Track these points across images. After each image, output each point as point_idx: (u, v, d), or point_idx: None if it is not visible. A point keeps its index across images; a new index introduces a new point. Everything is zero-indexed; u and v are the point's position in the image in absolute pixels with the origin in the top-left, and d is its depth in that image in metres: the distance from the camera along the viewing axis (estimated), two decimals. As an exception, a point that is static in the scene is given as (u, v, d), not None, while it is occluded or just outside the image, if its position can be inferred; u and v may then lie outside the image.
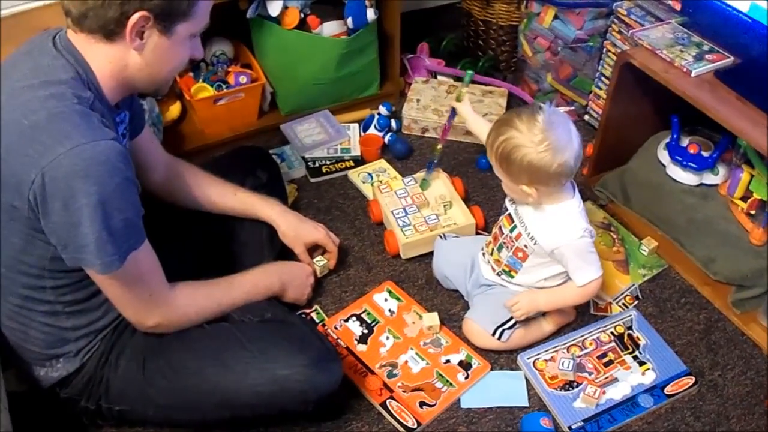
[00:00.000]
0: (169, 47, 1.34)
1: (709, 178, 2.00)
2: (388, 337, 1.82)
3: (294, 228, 1.86)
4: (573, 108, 2.50)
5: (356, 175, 2.28)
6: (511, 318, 1.76)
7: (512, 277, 1.77)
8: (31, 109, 1.26)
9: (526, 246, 1.71)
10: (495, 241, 1.80)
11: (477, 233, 2.04)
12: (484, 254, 1.85)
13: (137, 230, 1.36)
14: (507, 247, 1.76)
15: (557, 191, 1.65)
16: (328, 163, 2.32)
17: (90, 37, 1.31)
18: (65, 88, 1.29)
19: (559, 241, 1.66)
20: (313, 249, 1.93)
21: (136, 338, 1.51)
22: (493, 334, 1.76)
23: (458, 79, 2.61)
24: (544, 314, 1.83)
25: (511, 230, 1.74)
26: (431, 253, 1.98)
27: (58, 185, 1.23)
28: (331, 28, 2.30)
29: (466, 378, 1.74)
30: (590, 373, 1.75)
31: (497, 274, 1.80)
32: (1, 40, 1.90)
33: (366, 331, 1.84)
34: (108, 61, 1.33)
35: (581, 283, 1.68)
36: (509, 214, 1.75)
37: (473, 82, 2.55)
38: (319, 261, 1.92)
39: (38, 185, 1.23)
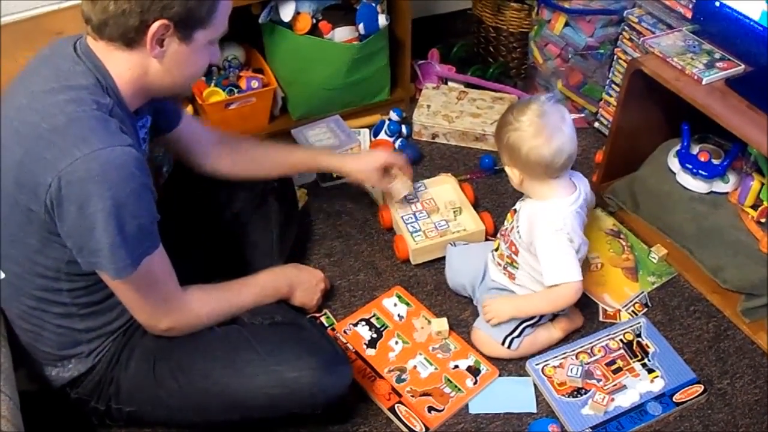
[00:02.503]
0: (188, 54, 1.35)
1: (719, 186, 2.00)
2: (397, 342, 1.83)
3: (358, 166, 1.95)
4: (583, 115, 2.50)
5: (366, 180, 2.28)
6: (518, 326, 1.76)
7: (516, 268, 1.77)
8: (50, 113, 1.27)
9: (515, 239, 1.74)
10: (499, 236, 1.84)
11: (486, 239, 2.05)
12: (493, 254, 1.86)
13: (151, 236, 1.36)
14: (504, 239, 1.79)
15: (543, 186, 1.68)
16: (338, 167, 2.33)
17: (110, 45, 1.32)
18: (85, 93, 1.30)
19: (533, 233, 1.67)
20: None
21: (146, 339, 1.52)
22: (503, 344, 1.76)
23: (469, 85, 2.62)
24: (552, 320, 1.83)
25: (510, 223, 1.78)
26: (441, 259, 1.99)
27: (73, 189, 1.24)
28: (342, 34, 2.31)
29: (475, 383, 1.74)
30: (599, 380, 1.75)
31: (503, 268, 1.81)
32: (17, 44, 1.92)
33: (375, 336, 1.84)
34: (128, 67, 1.34)
35: (548, 283, 1.67)
36: (514, 209, 1.78)
37: (483, 88, 2.58)
38: (396, 184, 2.01)
39: (54, 189, 1.25)
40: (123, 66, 1.34)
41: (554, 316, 1.84)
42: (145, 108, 1.51)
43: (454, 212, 2.09)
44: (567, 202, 1.68)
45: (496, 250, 1.84)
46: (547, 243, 1.65)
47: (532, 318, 1.77)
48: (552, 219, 1.66)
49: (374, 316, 1.89)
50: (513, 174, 1.69)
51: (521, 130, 1.61)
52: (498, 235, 1.86)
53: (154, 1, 1.25)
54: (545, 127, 1.60)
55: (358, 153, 1.98)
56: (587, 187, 1.76)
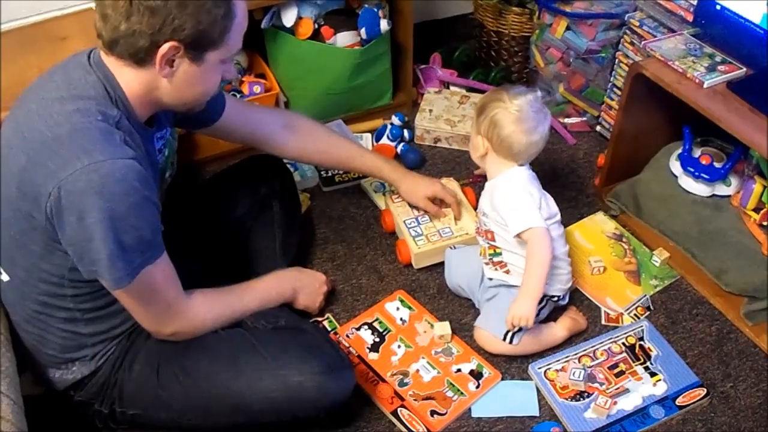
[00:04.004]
0: (199, 74, 1.35)
1: (721, 189, 2.00)
2: (399, 346, 1.83)
3: (411, 187, 2.02)
4: (585, 119, 2.50)
5: (369, 185, 2.29)
6: None
7: (500, 255, 1.80)
8: (56, 121, 1.28)
9: (485, 224, 1.80)
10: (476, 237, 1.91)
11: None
12: (480, 257, 1.88)
13: (153, 246, 1.36)
14: (480, 236, 1.85)
15: (502, 165, 1.78)
16: (340, 172, 2.33)
17: (120, 61, 1.32)
18: (92, 103, 1.30)
19: (494, 202, 1.76)
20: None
21: (150, 342, 1.52)
22: (504, 339, 1.77)
23: (470, 89, 2.62)
24: (555, 319, 1.84)
25: (478, 222, 1.86)
26: (443, 263, 1.99)
27: (73, 200, 1.25)
28: (344, 39, 2.32)
29: (477, 387, 1.74)
30: (601, 384, 1.75)
31: (490, 262, 1.83)
32: (22, 49, 1.94)
33: (377, 340, 1.84)
34: (137, 83, 1.34)
35: (514, 232, 1.71)
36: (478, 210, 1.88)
37: (484, 92, 2.57)
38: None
39: (54, 198, 1.25)
40: (133, 81, 1.34)
41: (557, 314, 1.85)
42: (166, 118, 1.51)
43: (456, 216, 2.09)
44: (521, 170, 1.78)
45: (481, 254, 1.86)
46: (508, 199, 1.74)
47: None
48: (509, 181, 1.77)
49: (377, 320, 1.90)
50: (480, 144, 1.77)
51: (509, 112, 1.71)
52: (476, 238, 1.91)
53: (165, 24, 1.25)
54: (531, 120, 1.71)
55: (417, 179, 2.05)
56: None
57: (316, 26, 2.29)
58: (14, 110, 1.40)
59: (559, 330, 1.83)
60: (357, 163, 1.99)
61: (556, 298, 1.83)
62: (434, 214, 2.06)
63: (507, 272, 1.81)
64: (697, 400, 1.72)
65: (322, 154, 1.95)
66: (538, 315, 1.79)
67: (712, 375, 1.79)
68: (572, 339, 1.86)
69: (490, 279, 1.85)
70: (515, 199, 1.73)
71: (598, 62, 2.36)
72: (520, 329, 1.76)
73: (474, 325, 1.84)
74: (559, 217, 1.81)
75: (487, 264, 1.85)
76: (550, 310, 1.84)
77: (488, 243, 1.82)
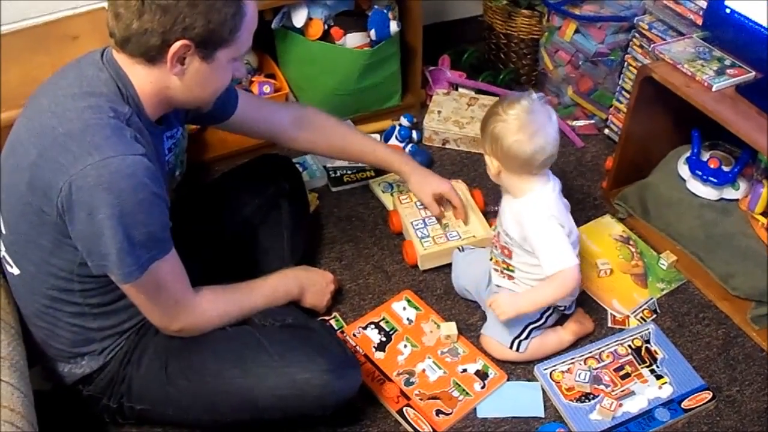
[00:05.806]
0: (209, 72, 1.37)
1: (729, 193, 2.00)
2: (405, 346, 1.84)
3: (421, 181, 2.02)
4: (593, 122, 2.50)
5: (377, 185, 2.30)
6: (525, 329, 1.77)
7: (512, 271, 1.77)
8: (67, 117, 1.30)
9: (506, 242, 1.74)
10: (492, 243, 1.85)
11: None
12: (490, 262, 1.87)
13: (161, 242, 1.38)
14: (495, 246, 1.80)
15: (519, 181, 1.69)
16: (349, 172, 2.34)
17: (132, 59, 1.34)
18: (103, 100, 1.32)
19: (524, 229, 1.67)
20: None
21: (159, 338, 1.53)
22: (510, 347, 1.77)
23: (479, 91, 2.63)
24: (562, 324, 1.84)
25: (494, 229, 1.81)
26: (450, 264, 2.00)
27: (83, 195, 1.26)
28: (354, 40, 2.33)
29: (483, 387, 1.74)
30: (607, 386, 1.75)
31: (500, 273, 1.81)
32: (33, 48, 1.95)
33: (384, 339, 1.85)
34: (149, 81, 1.36)
35: (549, 272, 1.64)
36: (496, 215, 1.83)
37: (494, 94, 2.58)
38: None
39: (65, 193, 1.27)
40: (144, 79, 1.36)
41: (563, 319, 1.85)
42: (177, 118, 1.53)
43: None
44: (548, 189, 1.69)
45: (491, 259, 1.84)
46: (540, 232, 1.65)
47: (538, 320, 1.78)
48: (539, 209, 1.66)
49: (383, 319, 1.90)
50: (492, 164, 1.71)
51: (507, 123, 1.62)
52: (491, 243, 1.86)
53: (177, 22, 1.27)
54: (531, 124, 1.62)
55: (428, 173, 2.06)
56: (556, 178, 1.77)
57: (326, 27, 2.30)
58: (27, 107, 1.41)
59: (566, 334, 1.83)
60: (369, 157, 2.01)
61: (562, 308, 1.82)
62: (435, 216, 2.06)
63: (512, 282, 1.81)
64: (703, 404, 1.71)
65: (333, 149, 1.98)
66: (545, 323, 1.79)
67: (718, 379, 1.79)
68: (578, 341, 1.86)
69: (497, 285, 1.84)
70: (547, 234, 1.65)
71: (607, 65, 2.36)
72: (527, 337, 1.77)
73: (480, 332, 1.84)
74: (576, 234, 1.75)
75: (496, 271, 1.84)
76: (556, 318, 1.83)
77: (503, 258, 1.78)
